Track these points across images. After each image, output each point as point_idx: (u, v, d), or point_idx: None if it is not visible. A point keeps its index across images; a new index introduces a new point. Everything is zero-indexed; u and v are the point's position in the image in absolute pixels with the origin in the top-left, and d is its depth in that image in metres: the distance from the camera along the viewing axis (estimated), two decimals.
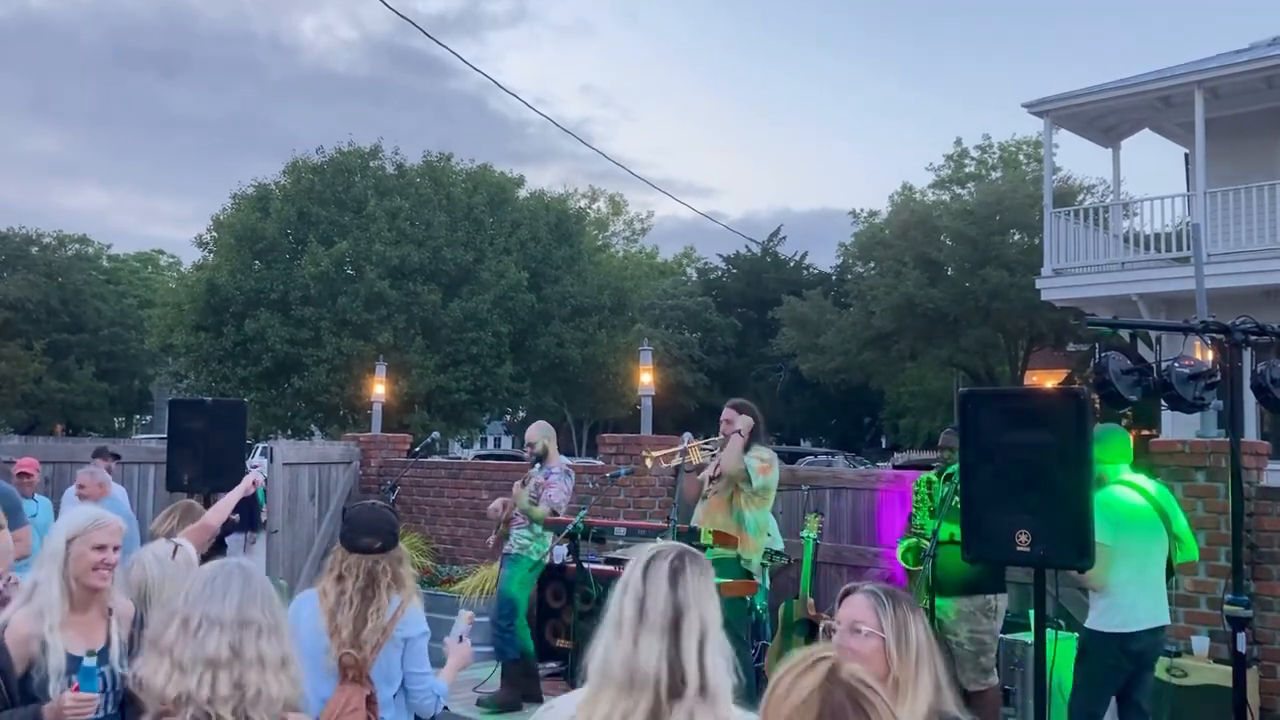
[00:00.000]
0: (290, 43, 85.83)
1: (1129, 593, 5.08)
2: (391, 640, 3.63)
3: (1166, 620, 5.30)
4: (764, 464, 6.42)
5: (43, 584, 3.16)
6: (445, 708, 4.05)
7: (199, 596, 2.38)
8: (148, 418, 50.05)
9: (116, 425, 47.77)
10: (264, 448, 11.24)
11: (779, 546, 7.59)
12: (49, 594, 3.13)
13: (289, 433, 28.51)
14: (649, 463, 7.29)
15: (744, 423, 6.48)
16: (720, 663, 2.20)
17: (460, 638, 3.87)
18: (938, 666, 2.39)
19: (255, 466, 7.25)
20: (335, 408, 27.58)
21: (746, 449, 6.48)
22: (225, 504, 5.10)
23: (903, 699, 2.30)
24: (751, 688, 6.71)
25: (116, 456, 8.71)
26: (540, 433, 7.87)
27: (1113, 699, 5.27)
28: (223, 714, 2.25)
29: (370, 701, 3.58)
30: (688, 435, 6.97)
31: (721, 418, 6.64)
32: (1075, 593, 6.79)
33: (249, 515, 9.41)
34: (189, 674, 2.28)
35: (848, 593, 2.53)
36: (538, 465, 7.67)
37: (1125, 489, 5.14)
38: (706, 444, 6.92)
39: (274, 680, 2.34)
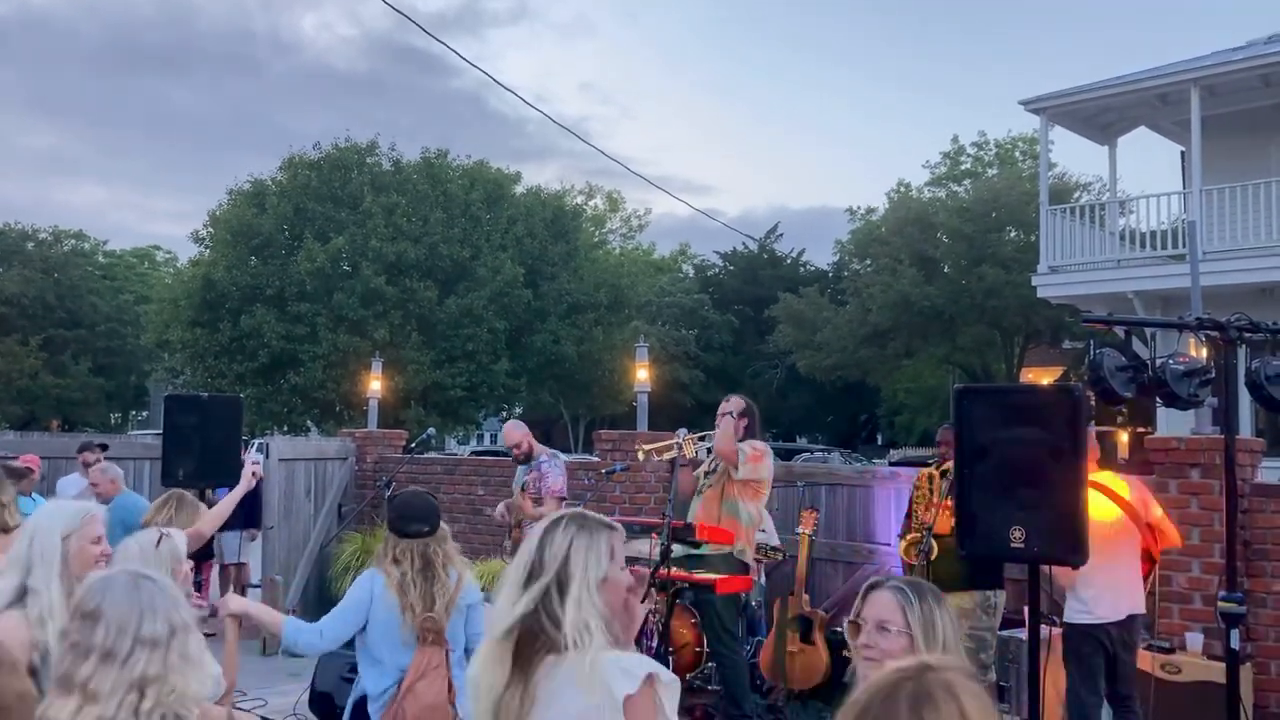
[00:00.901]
0: (290, 40, 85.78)
1: (1095, 587, 5.27)
2: (457, 609, 4.07)
3: (1138, 610, 5.46)
4: (756, 452, 6.44)
5: (40, 589, 2.99)
6: None
7: (125, 622, 2.21)
8: (144, 413, 50.01)
9: (112, 421, 47.73)
10: (260, 444, 11.22)
11: (775, 542, 7.60)
12: (49, 598, 2.98)
13: (285, 429, 28.50)
14: (641, 456, 7.31)
15: (735, 404, 6.52)
16: (581, 617, 2.26)
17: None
18: (962, 656, 2.40)
19: (255, 463, 7.23)
20: (331, 404, 27.57)
21: (741, 439, 6.51)
22: (224, 507, 5.05)
23: None
24: (745, 682, 6.75)
25: (104, 447, 8.69)
26: (521, 431, 7.95)
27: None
28: None
29: (447, 660, 4.01)
30: (683, 431, 6.97)
31: (718, 412, 6.66)
32: None
33: (249, 512, 9.39)
34: (107, 700, 2.15)
35: (871, 588, 2.51)
36: (527, 463, 7.74)
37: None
38: (701, 438, 6.93)
39: (193, 678, 2.27)
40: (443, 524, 4.18)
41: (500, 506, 7.93)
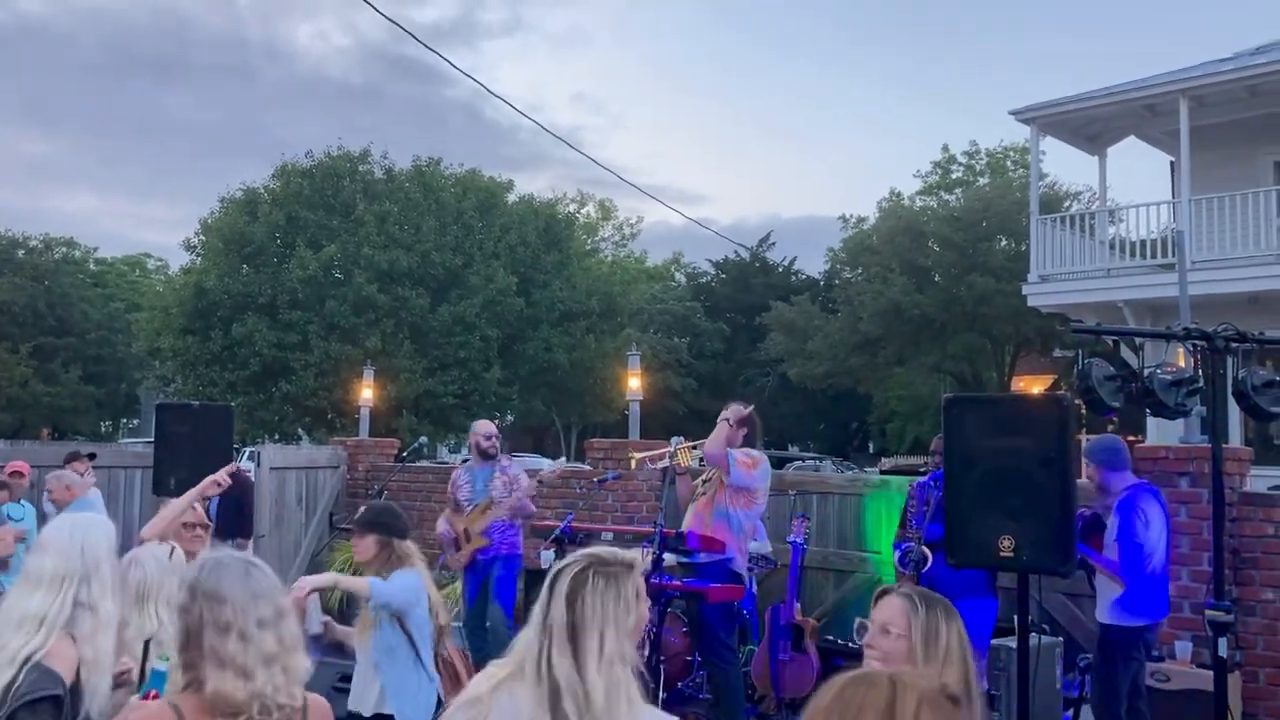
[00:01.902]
0: (285, 49, 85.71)
1: (1149, 587, 5.32)
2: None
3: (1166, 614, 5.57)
4: (749, 459, 6.42)
5: (96, 603, 2.91)
6: None
7: (247, 604, 2.40)
8: (135, 421, 49.85)
9: (103, 429, 47.56)
10: (251, 452, 11.22)
11: (766, 551, 7.61)
12: (107, 612, 2.93)
13: (276, 437, 28.44)
14: (634, 464, 7.31)
15: (734, 412, 6.50)
16: (615, 674, 2.29)
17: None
18: (969, 672, 2.41)
19: (247, 470, 7.22)
20: (323, 412, 27.52)
21: (738, 447, 6.51)
22: (170, 511, 4.78)
23: None
24: (738, 691, 6.74)
25: (92, 456, 8.68)
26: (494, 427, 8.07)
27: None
28: (284, 701, 2.38)
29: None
30: (678, 439, 6.98)
31: (720, 417, 6.66)
32: (1061, 598, 6.84)
33: (239, 521, 9.37)
34: (255, 676, 2.35)
35: (883, 593, 2.56)
36: (490, 460, 7.73)
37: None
38: (694, 447, 6.92)
39: (300, 657, 2.47)
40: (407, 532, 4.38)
41: (443, 522, 7.73)
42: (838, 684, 1.64)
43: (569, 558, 2.45)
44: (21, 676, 2.73)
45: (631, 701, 2.28)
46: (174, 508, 4.73)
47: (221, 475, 5.08)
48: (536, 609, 2.39)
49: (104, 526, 3.14)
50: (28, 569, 3.02)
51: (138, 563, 3.49)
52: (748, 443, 6.59)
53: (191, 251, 29.64)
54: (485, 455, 7.81)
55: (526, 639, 2.38)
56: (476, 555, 7.52)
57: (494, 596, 7.48)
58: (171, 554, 3.59)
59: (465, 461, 8.46)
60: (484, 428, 7.99)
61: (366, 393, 12.23)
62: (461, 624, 7.46)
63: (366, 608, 4.18)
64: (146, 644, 3.22)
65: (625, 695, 2.28)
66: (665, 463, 6.61)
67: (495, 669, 2.44)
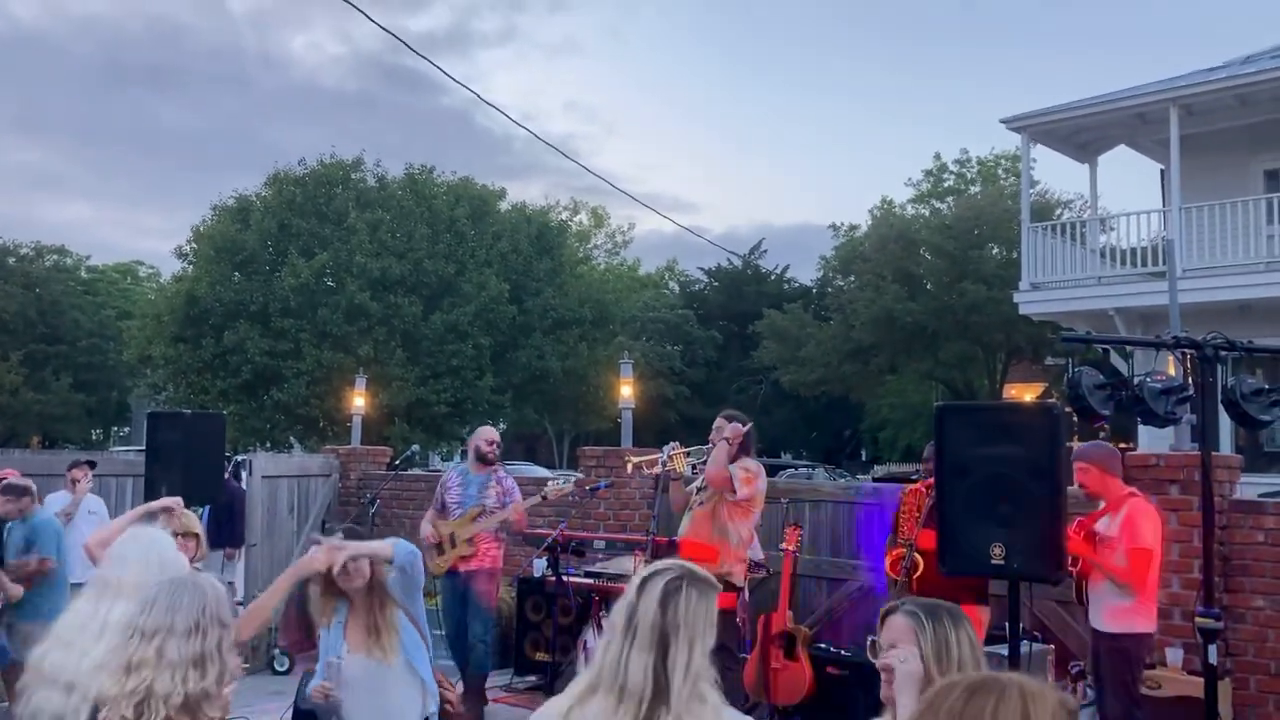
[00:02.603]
0: (280, 58, 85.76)
1: (1152, 595, 5.37)
2: None
3: None
4: (748, 474, 6.42)
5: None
6: None
7: (136, 606, 2.57)
8: (126, 429, 49.70)
9: (94, 437, 47.41)
10: (242, 460, 11.19)
11: (759, 557, 7.62)
12: None
13: (268, 445, 28.37)
14: (630, 468, 7.29)
15: (731, 430, 6.49)
16: (703, 682, 2.28)
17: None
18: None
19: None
20: (315, 420, 27.47)
21: (734, 459, 6.50)
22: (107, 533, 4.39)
23: None
24: (740, 699, 6.71)
25: (92, 464, 8.67)
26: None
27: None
28: (125, 714, 2.45)
29: None
30: (673, 444, 6.96)
31: (713, 425, 6.66)
32: (1053, 605, 6.85)
33: (228, 530, 9.35)
34: (113, 677, 2.49)
35: (889, 612, 2.56)
36: (489, 465, 7.68)
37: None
38: (688, 453, 6.91)
39: (181, 678, 2.49)
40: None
41: (426, 525, 7.62)
42: (962, 689, 1.62)
43: (657, 565, 2.42)
44: None
45: (717, 710, 2.28)
46: (123, 520, 4.64)
47: (167, 501, 4.87)
48: (618, 614, 2.35)
49: (169, 542, 3.29)
50: (104, 579, 3.09)
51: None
52: (743, 451, 6.60)
53: (183, 259, 29.60)
54: (485, 461, 7.70)
55: (605, 644, 2.34)
56: (457, 564, 7.44)
57: (475, 610, 7.40)
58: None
59: (459, 464, 8.39)
60: (488, 433, 7.91)
61: (358, 401, 12.20)
62: (443, 633, 7.38)
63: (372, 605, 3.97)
64: None
65: (710, 706, 2.27)
66: (660, 469, 6.59)
67: (574, 685, 2.39)
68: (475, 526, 7.43)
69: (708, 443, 6.69)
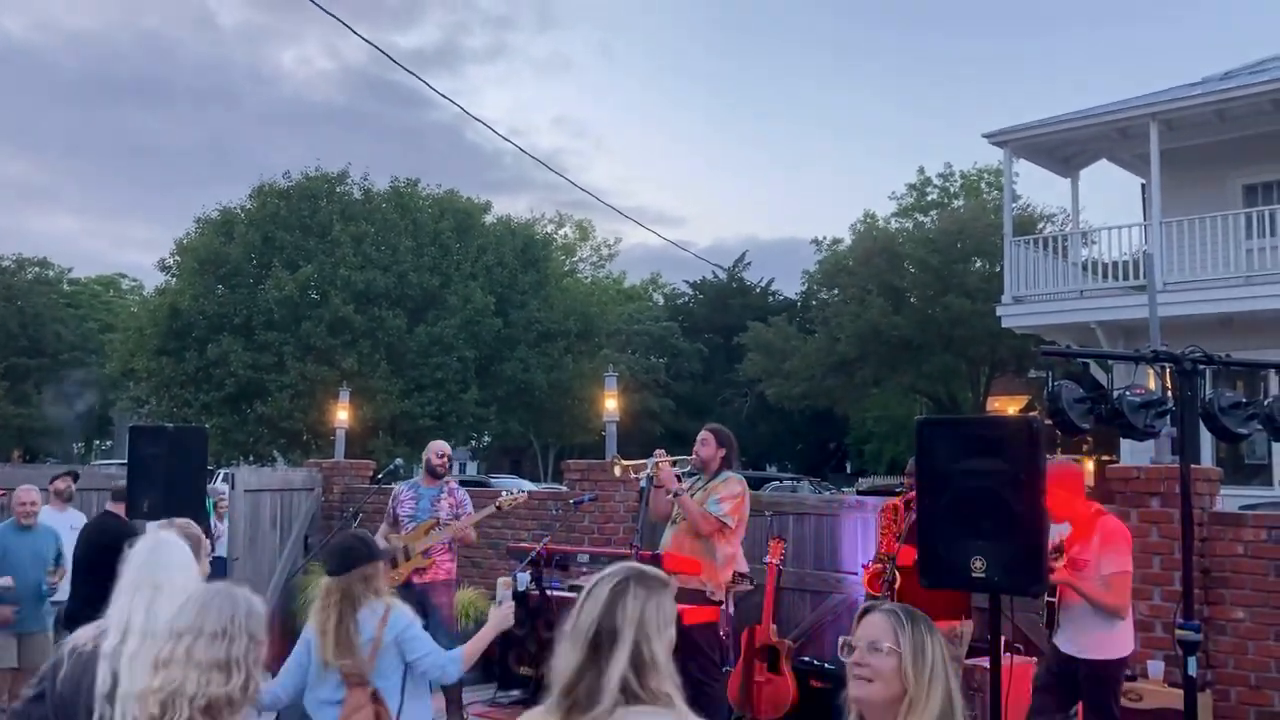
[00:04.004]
0: (269, 73, 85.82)
1: (1131, 615, 5.33)
2: (385, 645, 4.03)
3: None
4: (733, 501, 6.43)
5: None
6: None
7: (178, 612, 2.70)
8: (108, 443, 49.39)
9: (75, 450, 47.10)
10: (225, 474, 11.14)
11: (743, 568, 7.62)
12: None
13: (251, 459, 28.25)
14: (617, 470, 7.27)
15: (666, 476, 6.48)
16: (661, 682, 2.22)
17: (501, 602, 4.40)
18: (952, 687, 2.42)
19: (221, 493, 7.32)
20: (298, 434, 27.37)
21: (716, 475, 6.53)
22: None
23: (915, 716, 2.36)
24: (724, 712, 6.71)
25: (75, 476, 8.63)
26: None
27: None
28: (150, 709, 2.55)
29: (376, 698, 3.99)
30: (659, 452, 6.97)
31: (698, 439, 6.68)
32: (1032, 617, 6.87)
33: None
34: (154, 674, 2.60)
35: (866, 611, 2.56)
36: (439, 478, 7.75)
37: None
38: (675, 461, 6.91)
39: (215, 682, 2.58)
40: (369, 564, 4.12)
41: (381, 540, 7.49)
42: None
43: (607, 569, 2.40)
44: None
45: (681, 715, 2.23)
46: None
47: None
48: (569, 622, 2.33)
49: (179, 544, 3.39)
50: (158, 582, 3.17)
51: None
52: (726, 464, 6.61)
53: (166, 272, 29.50)
54: (435, 474, 7.80)
55: (561, 653, 2.30)
56: (411, 577, 7.45)
57: (438, 623, 7.39)
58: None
59: (410, 479, 8.44)
60: (438, 446, 7.99)
61: (342, 414, 12.16)
62: None
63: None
64: None
65: (674, 711, 2.22)
66: (646, 472, 6.59)
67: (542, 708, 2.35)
68: (429, 539, 7.50)
69: (692, 454, 6.71)
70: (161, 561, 3.17)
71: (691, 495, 6.58)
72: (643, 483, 6.61)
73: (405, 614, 4.15)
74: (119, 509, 7.47)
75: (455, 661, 4.20)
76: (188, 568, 3.22)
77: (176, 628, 2.66)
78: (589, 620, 2.27)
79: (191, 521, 4.77)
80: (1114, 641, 5.24)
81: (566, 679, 2.24)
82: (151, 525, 4.27)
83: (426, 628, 6.49)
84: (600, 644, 2.23)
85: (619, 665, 2.20)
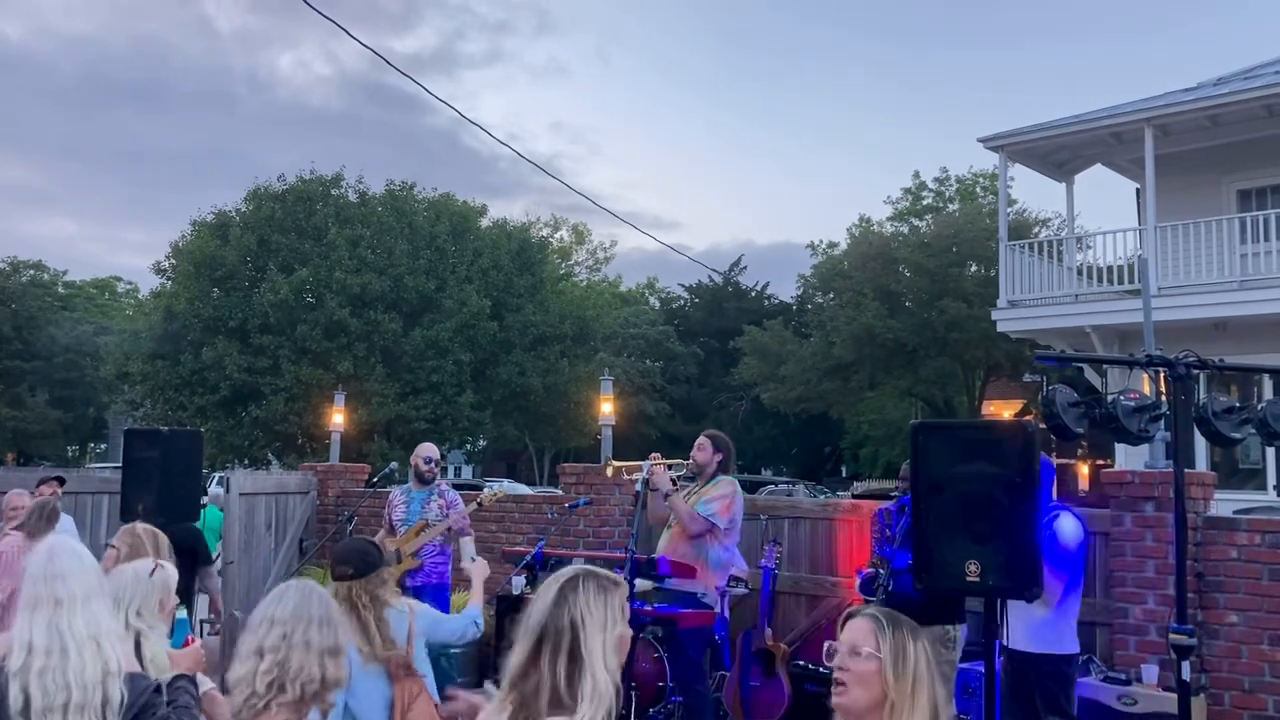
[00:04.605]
0: (266, 78, 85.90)
1: (1072, 616, 5.31)
2: (416, 637, 4.26)
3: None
4: (724, 501, 6.46)
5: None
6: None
7: (264, 606, 2.91)
8: (102, 446, 49.30)
9: (70, 453, 47.00)
10: (220, 477, 11.13)
11: (742, 573, 7.63)
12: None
13: (246, 462, 28.21)
14: (610, 471, 7.29)
15: (704, 457, 6.57)
16: (593, 682, 2.24)
17: (473, 558, 4.74)
18: (937, 692, 2.42)
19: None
20: (293, 437, 27.35)
21: (711, 479, 6.55)
22: None
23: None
24: (710, 716, 6.73)
25: (61, 480, 8.61)
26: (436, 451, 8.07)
27: None
28: (257, 688, 2.76)
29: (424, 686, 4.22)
30: (656, 455, 6.99)
31: (695, 444, 6.74)
32: None
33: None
34: (245, 662, 2.81)
35: (849, 616, 2.55)
36: (428, 484, 7.77)
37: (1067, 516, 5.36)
38: (671, 465, 6.93)
39: (315, 661, 2.83)
40: (379, 571, 4.25)
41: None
42: None
43: (561, 571, 2.43)
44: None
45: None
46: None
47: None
48: (522, 620, 2.36)
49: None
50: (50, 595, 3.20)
51: (116, 575, 3.60)
52: (722, 469, 6.65)
53: (162, 275, 29.45)
54: (422, 480, 7.86)
55: (514, 648, 2.34)
56: (405, 579, 7.50)
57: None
58: (153, 572, 3.68)
59: (404, 483, 8.49)
60: (425, 451, 8.02)
61: (337, 417, 12.15)
62: None
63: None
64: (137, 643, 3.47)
65: (606, 704, 2.24)
66: (641, 474, 6.61)
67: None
68: (419, 540, 7.56)
69: (689, 459, 6.74)
70: (58, 573, 3.13)
71: (686, 499, 6.60)
72: (638, 486, 6.63)
73: (422, 605, 4.52)
74: None
75: (475, 618, 4.55)
76: (87, 573, 3.17)
77: (276, 615, 2.87)
78: (537, 617, 2.31)
79: (151, 528, 4.78)
80: (1054, 634, 5.27)
81: (513, 675, 2.28)
82: (52, 534, 4.30)
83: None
84: (544, 641, 2.27)
85: (557, 665, 2.23)
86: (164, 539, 4.56)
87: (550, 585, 2.37)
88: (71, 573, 3.16)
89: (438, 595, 7.57)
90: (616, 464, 7.15)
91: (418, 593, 7.41)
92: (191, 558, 7.80)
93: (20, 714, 2.96)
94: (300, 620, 2.86)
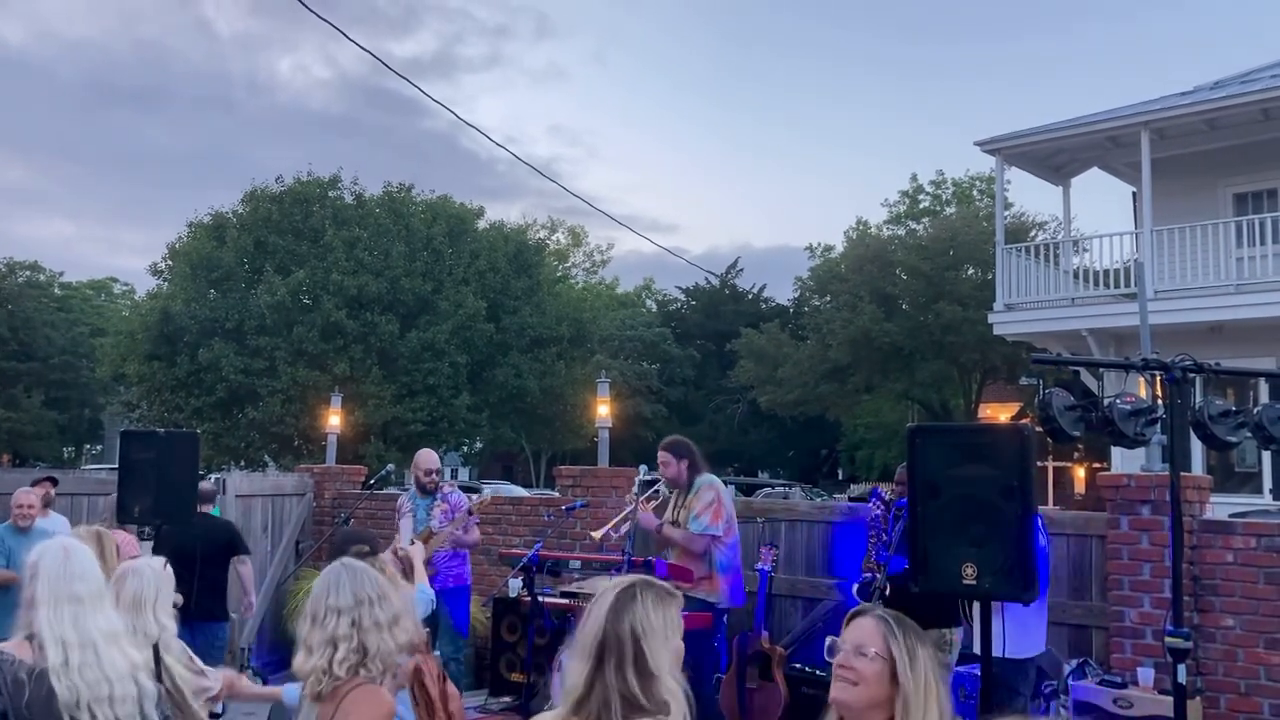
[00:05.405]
0: (266, 81, 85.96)
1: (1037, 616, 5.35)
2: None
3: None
4: (713, 508, 6.54)
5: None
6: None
7: (320, 595, 3.03)
8: (98, 447, 49.23)
9: (66, 455, 46.94)
10: (217, 479, 11.10)
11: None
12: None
13: (242, 464, 28.17)
14: (597, 537, 7.32)
15: (673, 471, 6.67)
16: (666, 687, 2.24)
17: (411, 542, 4.93)
18: (944, 697, 2.40)
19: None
20: (290, 439, 27.31)
21: (690, 487, 6.61)
22: None
23: None
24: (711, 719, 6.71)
25: (53, 481, 8.61)
26: (438, 458, 8.10)
27: None
28: (336, 673, 2.92)
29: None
30: (644, 467, 7.01)
31: (659, 460, 6.79)
32: None
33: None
34: (315, 653, 2.95)
35: (855, 615, 2.52)
36: (432, 494, 7.75)
37: None
38: (651, 494, 7.01)
39: (388, 639, 3.00)
40: (379, 556, 4.43)
41: (420, 549, 7.78)
42: None
43: (616, 579, 2.41)
44: None
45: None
46: None
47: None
48: (578, 631, 2.34)
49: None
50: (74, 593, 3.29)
51: (134, 573, 3.66)
52: (694, 470, 6.71)
53: (158, 276, 29.43)
54: (424, 490, 7.88)
55: (570, 663, 2.32)
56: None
57: (444, 630, 7.49)
58: (165, 564, 3.77)
59: (409, 488, 8.51)
60: (424, 461, 8.00)
61: (334, 419, 12.14)
62: None
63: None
64: (155, 647, 3.51)
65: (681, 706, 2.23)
66: (627, 525, 6.71)
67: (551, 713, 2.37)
68: (427, 548, 7.56)
69: (658, 478, 6.87)
70: (75, 573, 3.24)
71: (675, 514, 6.66)
72: (634, 490, 6.66)
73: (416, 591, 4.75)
74: (205, 508, 8.05)
75: (423, 591, 4.86)
76: (96, 572, 3.31)
77: (340, 605, 2.99)
78: (595, 628, 2.28)
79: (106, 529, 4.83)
80: (1037, 637, 5.27)
81: (578, 691, 2.24)
82: (63, 533, 4.42)
83: (436, 633, 6.67)
84: (605, 652, 2.24)
85: (626, 675, 2.21)
86: (109, 541, 4.58)
87: (606, 594, 2.34)
88: (88, 573, 3.29)
89: (455, 597, 7.59)
90: (599, 532, 7.20)
91: (436, 597, 7.48)
92: (228, 550, 8.01)
93: (73, 707, 3.08)
94: (362, 605, 3.00)
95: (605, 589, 2.37)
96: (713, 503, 6.55)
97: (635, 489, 6.81)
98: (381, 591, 3.09)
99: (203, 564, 7.64)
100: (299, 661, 3.00)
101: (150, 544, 6.27)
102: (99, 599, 3.24)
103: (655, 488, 6.97)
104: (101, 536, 4.46)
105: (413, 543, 4.95)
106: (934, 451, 4.26)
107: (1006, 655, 5.27)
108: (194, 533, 7.31)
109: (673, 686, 2.25)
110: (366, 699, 2.92)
